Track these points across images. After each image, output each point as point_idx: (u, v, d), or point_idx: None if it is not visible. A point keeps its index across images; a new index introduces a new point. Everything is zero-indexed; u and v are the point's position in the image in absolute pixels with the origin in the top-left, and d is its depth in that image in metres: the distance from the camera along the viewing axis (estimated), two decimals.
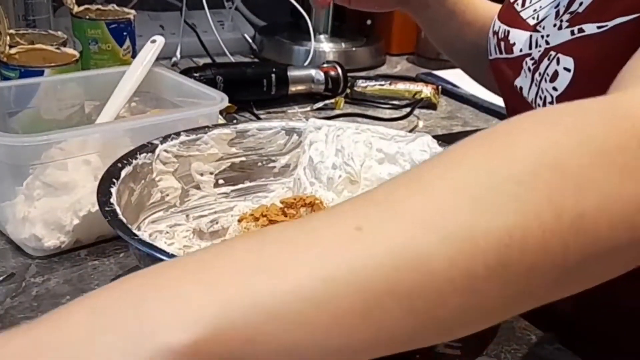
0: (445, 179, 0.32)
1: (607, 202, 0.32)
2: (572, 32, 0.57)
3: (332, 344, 0.29)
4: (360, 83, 1.16)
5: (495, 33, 0.70)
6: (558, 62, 0.57)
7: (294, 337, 0.29)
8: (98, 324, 0.28)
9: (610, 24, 0.53)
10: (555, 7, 0.61)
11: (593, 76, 0.54)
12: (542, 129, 0.34)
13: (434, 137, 0.68)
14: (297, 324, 0.29)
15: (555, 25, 0.60)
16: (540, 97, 0.59)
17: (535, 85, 0.60)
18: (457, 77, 1.20)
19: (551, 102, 0.57)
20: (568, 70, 0.56)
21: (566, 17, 0.59)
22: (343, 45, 1.33)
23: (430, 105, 1.15)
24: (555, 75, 0.57)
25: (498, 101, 1.00)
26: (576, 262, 0.32)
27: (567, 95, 0.55)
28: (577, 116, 0.35)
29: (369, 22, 1.41)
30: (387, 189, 0.33)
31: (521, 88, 0.63)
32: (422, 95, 1.14)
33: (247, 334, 0.28)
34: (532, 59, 0.62)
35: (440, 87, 1.19)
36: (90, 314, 0.29)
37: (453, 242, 0.30)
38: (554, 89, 0.57)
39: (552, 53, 0.58)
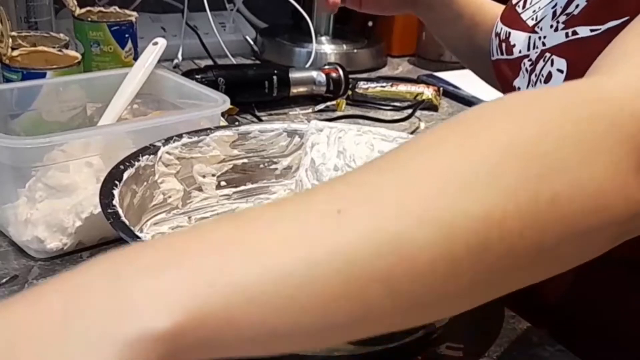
0: (422, 162, 0.32)
1: (579, 185, 0.32)
2: (567, 35, 0.57)
3: (312, 326, 0.29)
4: (362, 85, 1.16)
5: (497, 35, 0.71)
6: (552, 64, 0.58)
7: (274, 319, 0.29)
8: (73, 308, 0.27)
9: (603, 27, 0.53)
10: (553, 8, 0.62)
11: None
12: (516, 111, 0.34)
13: None
14: (277, 307, 0.29)
15: (552, 26, 0.61)
16: None
17: (532, 86, 0.61)
18: (458, 78, 1.20)
19: None
20: (561, 71, 0.57)
21: (562, 18, 0.59)
22: (344, 47, 1.34)
23: (431, 106, 1.15)
24: (549, 77, 0.58)
25: None
26: (552, 244, 0.32)
27: None
28: (549, 101, 0.35)
29: (370, 23, 1.41)
30: (365, 172, 0.33)
31: (519, 89, 0.63)
32: (424, 97, 1.14)
33: (229, 317, 0.28)
34: (530, 60, 0.62)
35: (441, 88, 1.19)
36: (65, 296, 0.28)
37: (433, 226, 0.30)
38: None
39: (547, 54, 0.59)
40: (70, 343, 0.26)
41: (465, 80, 1.00)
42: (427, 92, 1.15)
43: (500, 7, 0.84)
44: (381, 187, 0.31)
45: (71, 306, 0.27)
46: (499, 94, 0.85)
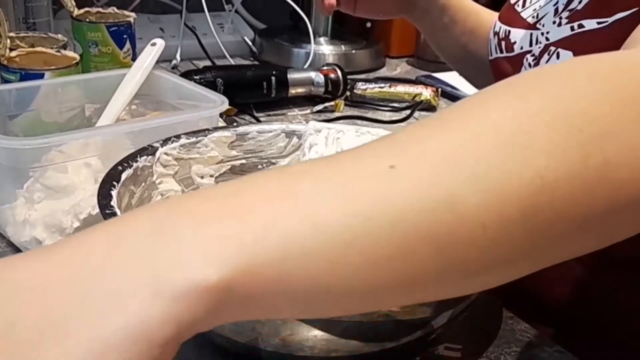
0: (474, 121, 0.32)
1: (630, 152, 0.32)
2: (572, 28, 0.58)
3: (359, 284, 0.29)
4: (360, 85, 1.16)
5: (496, 34, 0.71)
6: (558, 57, 0.58)
7: (325, 277, 0.28)
8: (117, 254, 0.26)
9: (610, 19, 0.54)
10: (554, 5, 0.63)
11: None
12: (567, 77, 0.34)
13: None
14: (328, 264, 0.28)
15: (554, 22, 0.61)
16: None
17: None
18: (456, 79, 1.20)
19: None
20: None
21: (565, 14, 0.60)
22: (343, 47, 1.34)
23: (429, 107, 1.15)
24: None
25: None
26: (600, 212, 0.32)
27: None
28: (598, 66, 0.35)
29: (368, 24, 1.41)
30: (415, 130, 0.32)
31: None
32: (422, 98, 1.15)
33: (278, 272, 0.27)
34: (533, 55, 0.63)
35: (439, 89, 1.19)
36: (111, 241, 0.27)
37: (487, 185, 0.29)
38: None
39: (552, 48, 0.59)
40: (113, 290, 0.25)
41: (464, 81, 1.00)
42: (426, 92, 1.15)
43: (493, 14, 0.85)
44: (435, 144, 0.31)
45: (115, 252, 0.26)
46: None
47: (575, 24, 0.58)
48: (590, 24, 0.56)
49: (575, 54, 0.57)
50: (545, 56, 0.60)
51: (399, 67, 1.39)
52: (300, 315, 0.29)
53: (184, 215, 0.28)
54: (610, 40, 0.54)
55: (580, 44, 0.57)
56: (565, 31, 0.59)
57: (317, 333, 0.47)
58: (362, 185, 0.29)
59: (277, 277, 0.27)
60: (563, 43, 0.59)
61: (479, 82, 0.92)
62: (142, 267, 0.26)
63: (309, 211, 0.28)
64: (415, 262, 0.29)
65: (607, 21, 0.55)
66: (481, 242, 0.30)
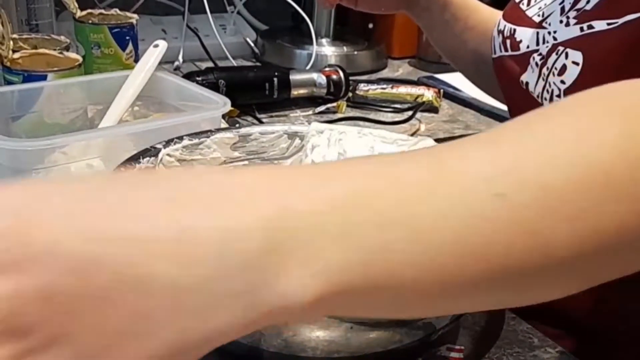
0: (582, 164, 0.31)
1: None
2: (582, 29, 0.58)
3: (451, 297, 0.30)
4: (362, 86, 1.16)
5: (501, 32, 0.71)
6: (567, 57, 0.58)
7: (413, 298, 0.29)
8: (229, 263, 0.25)
9: (620, 21, 0.54)
10: (560, 4, 0.62)
11: (601, 69, 0.55)
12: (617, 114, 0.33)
13: (436, 140, 0.68)
14: (422, 285, 0.28)
15: (561, 21, 0.61)
16: (548, 91, 0.60)
17: (543, 79, 0.61)
18: (458, 80, 1.20)
19: (558, 96, 0.58)
20: (577, 64, 0.57)
21: (572, 13, 0.60)
22: (345, 48, 1.34)
23: (432, 108, 1.15)
24: (563, 69, 0.58)
25: (499, 105, 1.01)
26: None
27: (575, 88, 0.56)
28: None
29: (370, 25, 1.41)
30: (520, 157, 0.31)
31: (527, 83, 0.64)
32: (424, 99, 1.15)
33: (368, 290, 0.27)
34: (540, 54, 0.63)
35: (441, 90, 1.19)
36: (222, 245, 0.25)
37: (581, 228, 0.30)
38: (562, 82, 0.58)
39: (561, 48, 0.59)
40: (213, 294, 0.25)
41: (466, 81, 1.00)
42: (428, 93, 1.15)
43: (494, 12, 0.85)
44: (541, 179, 0.30)
45: (225, 259, 0.25)
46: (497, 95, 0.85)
47: (585, 25, 0.58)
48: (600, 25, 0.56)
49: (584, 55, 0.57)
50: (554, 56, 0.60)
51: (400, 68, 1.39)
52: (373, 316, 0.29)
53: (292, 223, 0.27)
54: (619, 41, 0.54)
55: (590, 45, 0.57)
56: (574, 31, 0.59)
57: (319, 334, 0.47)
58: (465, 209, 0.29)
59: (361, 295, 0.27)
60: (572, 43, 0.58)
61: (480, 80, 0.91)
62: (247, 279, 0.25)
63: (416, 229, 0.28)
64: (486, 289, 0.30)
65: (617, 22, 0.54)
66: (553, 272, 0.31)
